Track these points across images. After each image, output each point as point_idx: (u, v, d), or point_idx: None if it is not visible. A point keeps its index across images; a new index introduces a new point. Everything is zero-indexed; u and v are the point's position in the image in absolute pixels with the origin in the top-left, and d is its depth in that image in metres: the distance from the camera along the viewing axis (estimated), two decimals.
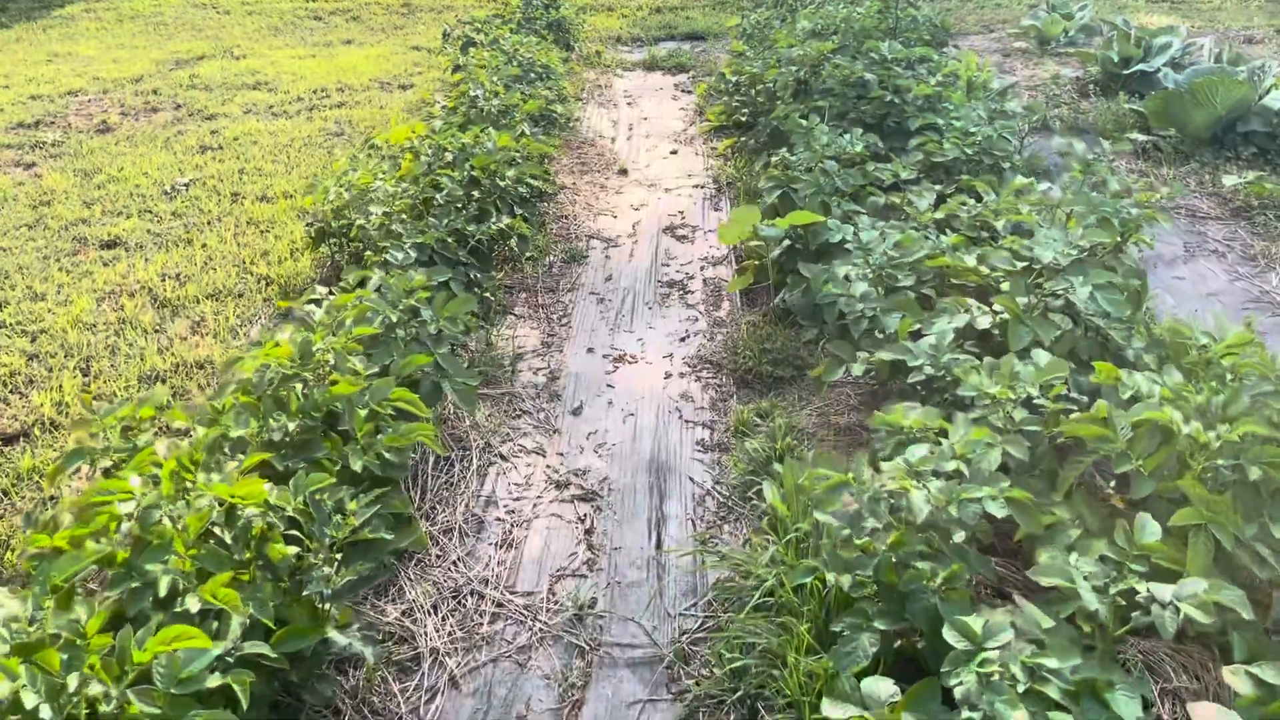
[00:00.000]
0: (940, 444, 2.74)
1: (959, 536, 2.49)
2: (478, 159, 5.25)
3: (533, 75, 7.70)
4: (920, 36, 7.27)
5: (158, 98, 9.11)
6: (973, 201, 4.69)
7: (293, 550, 2.49)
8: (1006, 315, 3.44)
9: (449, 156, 5.60)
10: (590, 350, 4.68)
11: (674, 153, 7.57)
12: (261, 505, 2.42)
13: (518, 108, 6.43)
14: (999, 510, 2.46)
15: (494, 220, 5.17)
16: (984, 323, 3.47)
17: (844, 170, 4.85)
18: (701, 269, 5.55)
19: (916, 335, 3.72)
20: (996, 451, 2.72)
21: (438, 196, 4.98)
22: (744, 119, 7.28)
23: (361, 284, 4.22)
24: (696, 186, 6.80)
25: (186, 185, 6.66)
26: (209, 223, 6.07)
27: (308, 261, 5.37)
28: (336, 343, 3.23)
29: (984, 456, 2.63)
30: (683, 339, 4.76)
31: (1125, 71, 8.17)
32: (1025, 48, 10.27)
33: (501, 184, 5.38)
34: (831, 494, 2.56)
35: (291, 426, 2.91)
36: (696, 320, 4.94)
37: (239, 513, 2.41)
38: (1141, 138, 6.94)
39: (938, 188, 5.11)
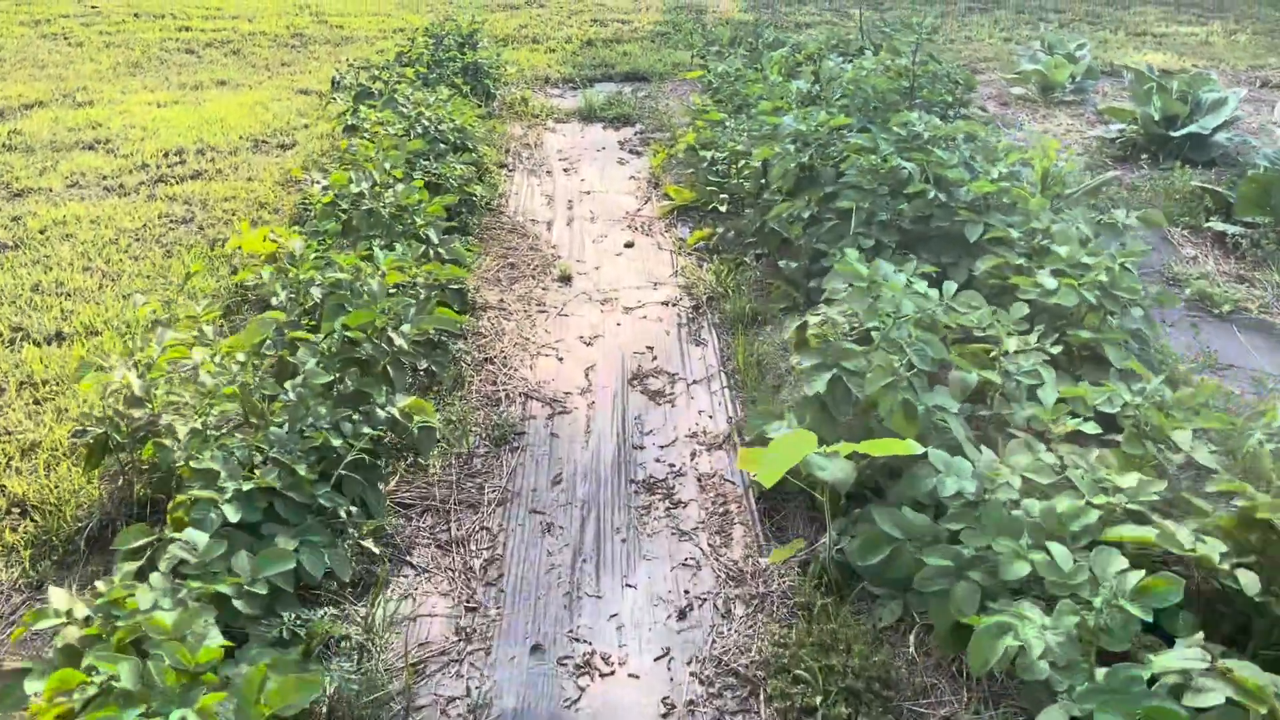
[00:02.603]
0: None
1: None
2: (353, 316, 3.43)
3: (442, 145, 5.90)
4: (940, 96, 5.68)
5: None
6: (1123, 390, 3.05)
7: None
8: None
9: (316, 294, 3.78)
10: (536, 648, 2.89)
11: (629, 245, 5.83)
12: None
13: (421, 207, 4.62)
14: None
15: (382, 404, 3.37)
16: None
17: (920, 334, 3.15)
18: (692, 454, 3.81)
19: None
20: None
21: (288, 390, 3.15)
22: (723, 205, 5.58)
23: (143, 570, 2.39)
24: (666, 304, 5.06)
25: None
26: None
27: (94, 474, 3.47)
28: None
29: None
30: (682, 615, 3.01)
31: (1172, 133, 6.71)
32: (1025, 95, 8.81)
33: (394, 344, 3.57)
34: None
35: None
36: (698, 569, 3.19)
37: None
38: (1231, 229, 5.44)
39: (1032, 341, 3.46)
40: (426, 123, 5.92)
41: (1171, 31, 12.45)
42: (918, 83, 5.57)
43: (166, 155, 7.31)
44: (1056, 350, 3.49)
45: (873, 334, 3.19)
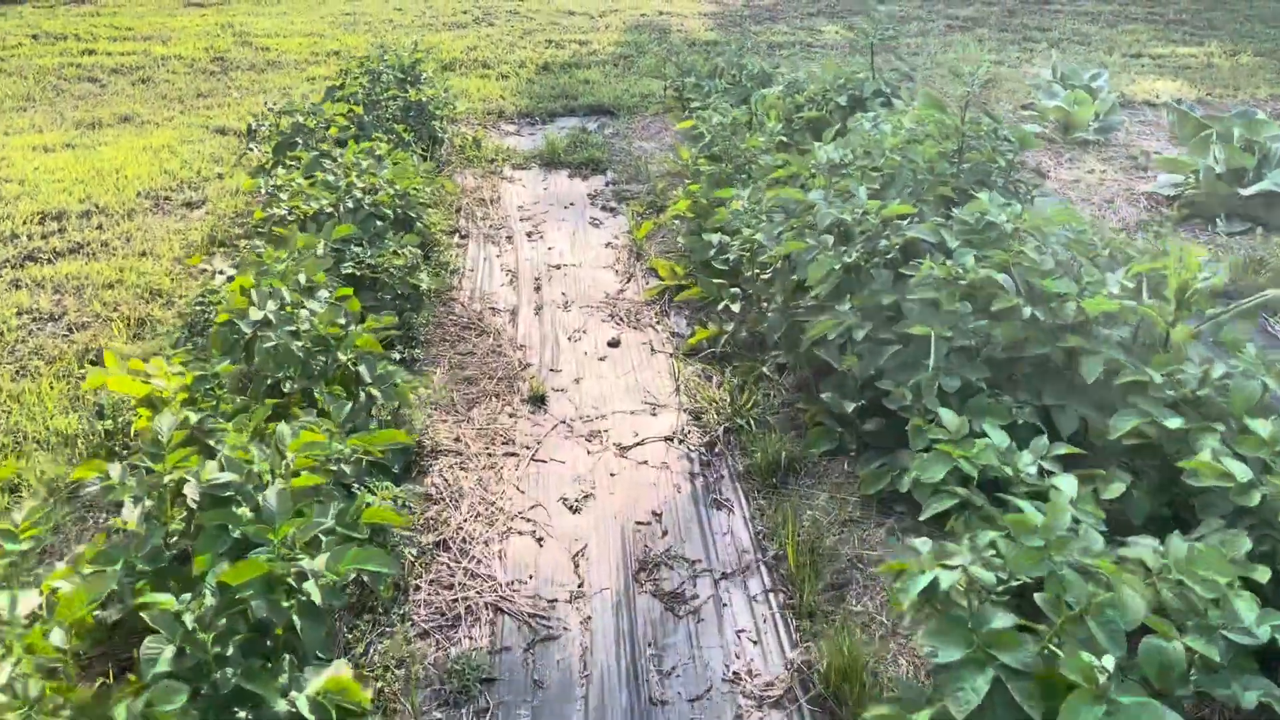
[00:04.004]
0: None
1: None
2: (235, 571, 2.24)
3: (379, 222, 4.70)
4: (991, 160, 4.63)
5: None
6: None
7: None
8: None
9: (191, 495, 2.58)
10: None
11: (614, 345, 4.69)
12: None
13: (349, 334, 3.43)
14: None
15: (284, 690, 2.20)
16: None
17: (1106, 596, 2.06)
18: (738, 718, 2.68)
19: None
20: None
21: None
22: (735, 304, 4.47)
23: None
24: (671, 439, 3.92)
25: None
26: None
27: None
28: None
29: None
30: None
31: (1244, 191, 5.73)
32: (1042, 133, 7.82)
33: (304, 591, 2.39)
34: None
35: None
36: None
37: None
38: None
39: (1196, 542, 2.39)
40: (359, 193, 4.72)
41: (1169, 53, 11.60)
42: (966, 143, 4.51)
43: (43, 220, 6.02)
44: (1265, 577, 2.42)
45: (1035, 596, 2.08)
